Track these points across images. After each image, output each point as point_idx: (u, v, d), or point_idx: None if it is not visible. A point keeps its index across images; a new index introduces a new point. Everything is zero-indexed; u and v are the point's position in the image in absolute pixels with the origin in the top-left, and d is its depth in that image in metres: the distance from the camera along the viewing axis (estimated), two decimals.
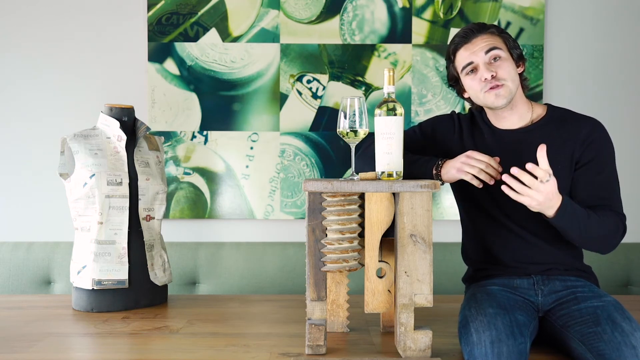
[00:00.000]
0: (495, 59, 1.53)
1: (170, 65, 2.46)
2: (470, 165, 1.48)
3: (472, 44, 1.54)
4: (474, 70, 1.55)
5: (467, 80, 1.58)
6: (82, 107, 2.47)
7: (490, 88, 1.52)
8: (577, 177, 1.54)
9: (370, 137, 1.61)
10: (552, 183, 1.35)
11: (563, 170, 1.54)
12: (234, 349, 1.45)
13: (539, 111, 1.62)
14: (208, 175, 2.48)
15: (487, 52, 1.52)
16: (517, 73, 1.56)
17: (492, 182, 1.48)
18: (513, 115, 1.59)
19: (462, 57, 1.56)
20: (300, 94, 2.46)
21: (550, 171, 1.34)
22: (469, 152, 1.51)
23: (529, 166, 1.33)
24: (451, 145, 1.66)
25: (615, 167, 1.56)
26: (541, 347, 1.47)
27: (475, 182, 1.49)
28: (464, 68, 1.56)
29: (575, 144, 1.54)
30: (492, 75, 1.51)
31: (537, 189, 1.34)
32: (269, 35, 2.46)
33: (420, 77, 2.46)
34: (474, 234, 1.67)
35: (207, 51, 2.46)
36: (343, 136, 1.47)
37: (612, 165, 1.55)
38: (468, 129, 1.66)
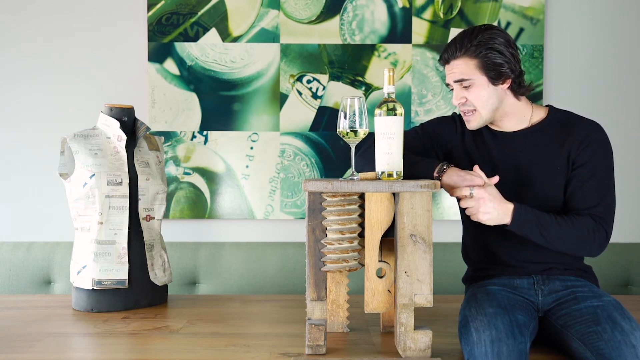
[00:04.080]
0: (465, 87, 1.55)
1: (170, 65, 2.46)
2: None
3: (449, 66, 1.57)
4: (453, 89, 1.60)
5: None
6: (82, 107, 2.47)
7: (463, 112, 1.58)
8: (569, 179, 1.54)
9: (370, 137, 1.60)
10: (481, 193, 1.42)
11: (562, 172, 1.54)
12: (234, 349, 1.45)
13: (540, 113, 1.61)
14: (208, 175, 2.48)
15: (456, 81, 1.55)
16: (492, 95, 1.53)
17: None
18: (508, 121, 1.60)
19: (445, 73, 1.61)
20: (300, 94, 2.46)
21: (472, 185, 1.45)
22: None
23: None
24: (452, 147, 1.66)
25: (612, 173, 1.53)
26: (541, 347, 1.47)
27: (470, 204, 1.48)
28: (446, 85, 1.62)
29: (572, 145, 1.53)
30: (460, 103, 1.56)
31: (471, 202, 1.43)
32: (269, 35, 2.46)
33: (420, 77, 2.46)
34: (475, 234, 1.67)
35: (207, 51, 2.46)
36: (343, 136, 1.47)
37: (608, 171, 1.52)
38: (469, 130, 1.66)
